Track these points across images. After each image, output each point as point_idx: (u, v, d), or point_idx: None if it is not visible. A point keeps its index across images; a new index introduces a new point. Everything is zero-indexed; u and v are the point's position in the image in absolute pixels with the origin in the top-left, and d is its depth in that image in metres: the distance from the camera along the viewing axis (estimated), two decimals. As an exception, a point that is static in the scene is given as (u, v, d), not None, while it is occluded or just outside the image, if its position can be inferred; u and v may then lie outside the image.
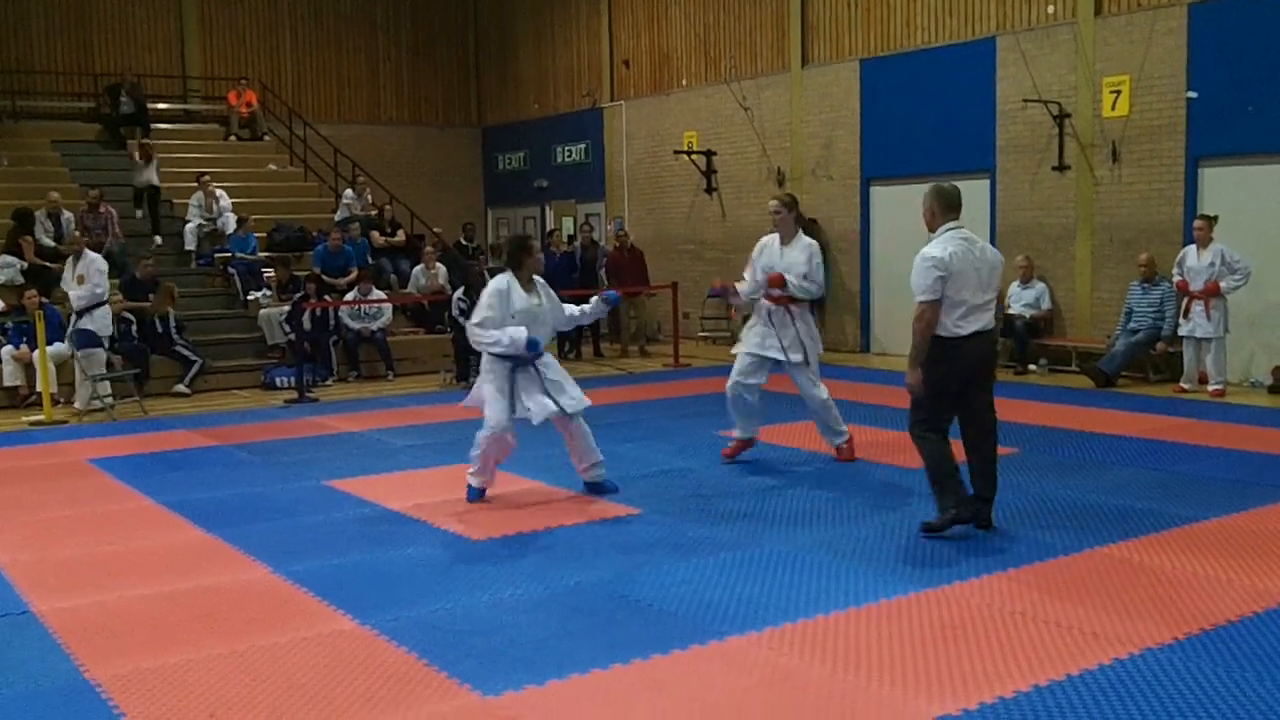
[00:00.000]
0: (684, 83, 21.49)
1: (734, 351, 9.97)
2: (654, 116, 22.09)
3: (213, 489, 9.23)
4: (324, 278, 17.40)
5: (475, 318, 8.34)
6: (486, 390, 8.50)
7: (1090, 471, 9.13)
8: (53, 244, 16.70)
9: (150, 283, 15.97)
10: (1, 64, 21.74)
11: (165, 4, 23.67)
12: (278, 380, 15.63)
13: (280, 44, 24.80)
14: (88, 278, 13.73)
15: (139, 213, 19.27)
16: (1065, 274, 15.57)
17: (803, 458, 9.97)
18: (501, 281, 8.43)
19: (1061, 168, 15.41)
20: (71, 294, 13.78)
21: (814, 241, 9.65)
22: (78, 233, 14.80)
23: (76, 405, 13.66)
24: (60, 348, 14.29)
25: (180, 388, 15.22)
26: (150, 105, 22.15)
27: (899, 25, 17.59)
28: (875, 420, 11.64)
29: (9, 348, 14.46)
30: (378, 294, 17.31)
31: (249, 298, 17.37)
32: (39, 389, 13.62)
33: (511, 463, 9.77)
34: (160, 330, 15.43)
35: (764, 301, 9.58)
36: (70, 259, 14.07)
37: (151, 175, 19.31)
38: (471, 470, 8.63)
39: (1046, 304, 15.46)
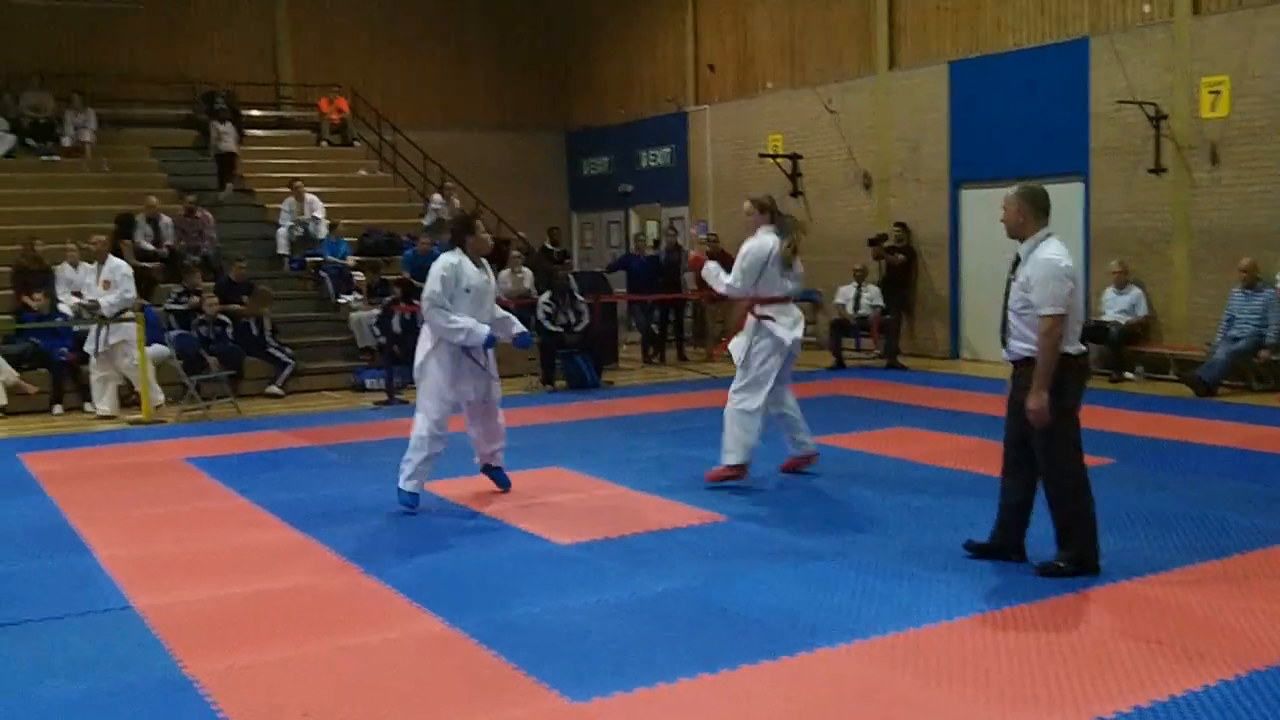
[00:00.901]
0: (769, 86, 21.43)
1: None
2: (738, 120, 22.05)
3: (305, 489, 9.37)
4: (413, 281, 17.54)
5: (428, 290, 8.32)
6: (431, 380, 8.49)
7: (1189, 483, 8.91)
8: (151, 248, 17.05)
9: (244, 284, 16.25)
10: (103, 73, 22.21)
11: (259, 13, 24.08)
12: (367, 382, 15.83)
13: (370, 51, 25.08)
14: (115, 284, 13.79)
15: (223, 191, 20.13)
16: (1162, 279, 15.30)
17: (891, 465, 9.86)
18: (453, 256, 8.47)
19: (1158, 170, 15.13)
20: (102, 301, 13.80)
21: (765, 241, 9.09)
22: (102, 238, 14.66)
23: (102, 409, 13.81)
24: (159, 349, 14.57)
25: (273, 389, 15.46)
26: (244, 112, 22.54)
27: (988, 26, 17.41)
28: (965, 428, 11.52)
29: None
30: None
31: (340, 301, 17.59)
32: (138, 389, 13.90)
33: (596, 466, 9.83)
34: (255, 332, 15.68)
35: None
36: (84, 264, 14.11)
37: (230, 143, 19.94)
38: (406, 474, 8.50)
39: (1143, 310, 15.18)
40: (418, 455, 8.47)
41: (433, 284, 8.34)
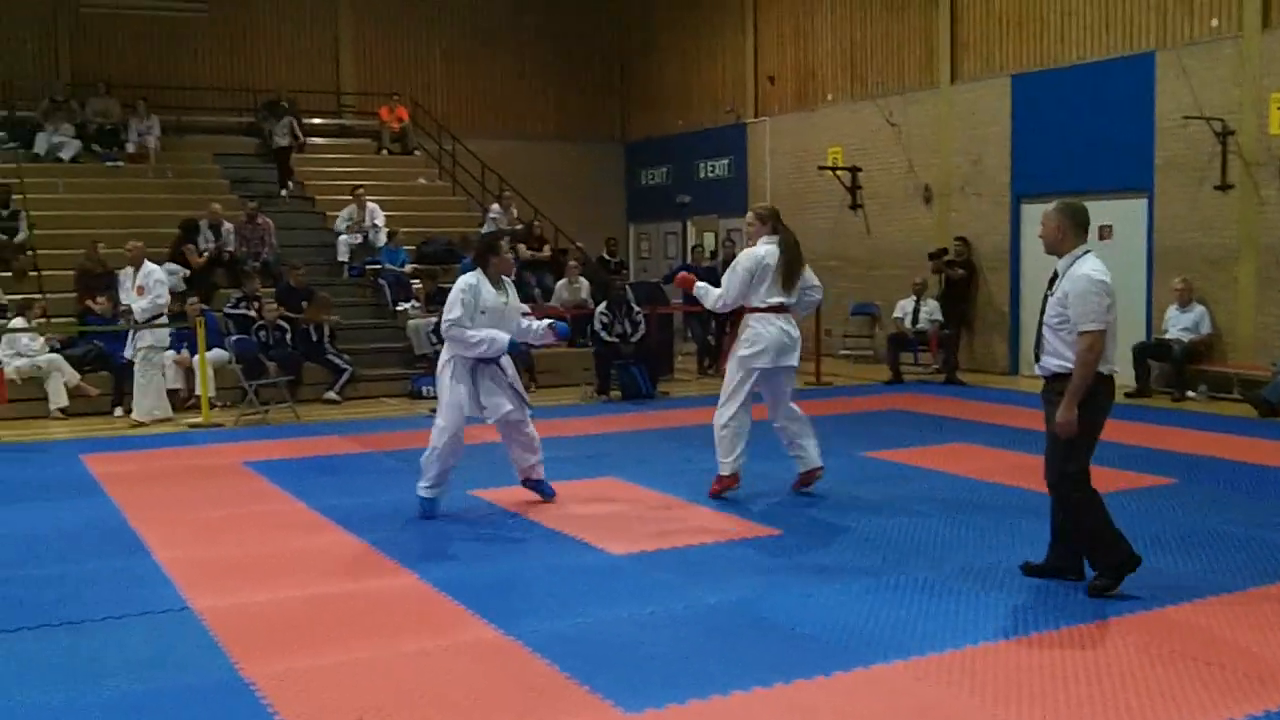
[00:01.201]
0: (829, 98, 21.37)
1: None
2: (798, 132, 22.01)
3: (362, 494, 9.42)
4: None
5: (448, 315, 8.35)
6: (447, 392, 8.53)
7: (1251, 505, 8.78)
8: (212, 253, 17.23)
9: (303, 290, 16.39)
10: (168, 81, 22.52)
11: (321, 23, 24.31)
12: (424, 389, 15.89)
13: (431, 61, 25.28)
14: (148, 289, 13.77)
15: (283, 189, 20.56)
16: (1226, 297, 15.10)
17: (948, 481, 9.78)
18: (471, 278, 8.52)
19: (1224, 187, 14.93)
20: (135, 306, 13.82)
21: (756, 251, 8.96)
22: (138, 244, 14.37)
23: (135, 416, 13.80)
24: (219, 353, 14.72)
25: (330, 395, 15.58)
26: (305, 120, 22.77)
27: (1052, 40, 17.27)
28: (1023, 445, 11.37)
29: (170, 352, 14.93)
30: (521, 307, 17.48)
31: (398, 308, 17.71)
32: (198, 393, 14.05)
33: (650, 477, 9.83)
34: (315, 339, 15.81)
35: None
36: (129, 269, 14.11)
37: (285, 138, 20.46)
38: (423, 483, 8.59)
39: (1206, 328, 14.98)
40: (432, 469, 8.57)
41: (452, 309, 8.39)
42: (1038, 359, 6.59)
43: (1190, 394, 14.76)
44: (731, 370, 9.06)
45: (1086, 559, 6.51)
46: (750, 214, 9.32)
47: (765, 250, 8.97)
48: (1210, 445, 11.33)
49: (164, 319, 13.99)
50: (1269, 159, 14.51)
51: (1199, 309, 15.01)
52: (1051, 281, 6.53)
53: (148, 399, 13.78)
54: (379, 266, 18.47)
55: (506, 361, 8.70)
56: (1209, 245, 15.23)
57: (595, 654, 5.57)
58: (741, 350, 8.95)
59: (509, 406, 8.63)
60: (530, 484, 9.07)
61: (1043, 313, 6.53)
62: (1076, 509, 6.43)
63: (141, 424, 13.64)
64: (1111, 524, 6.43)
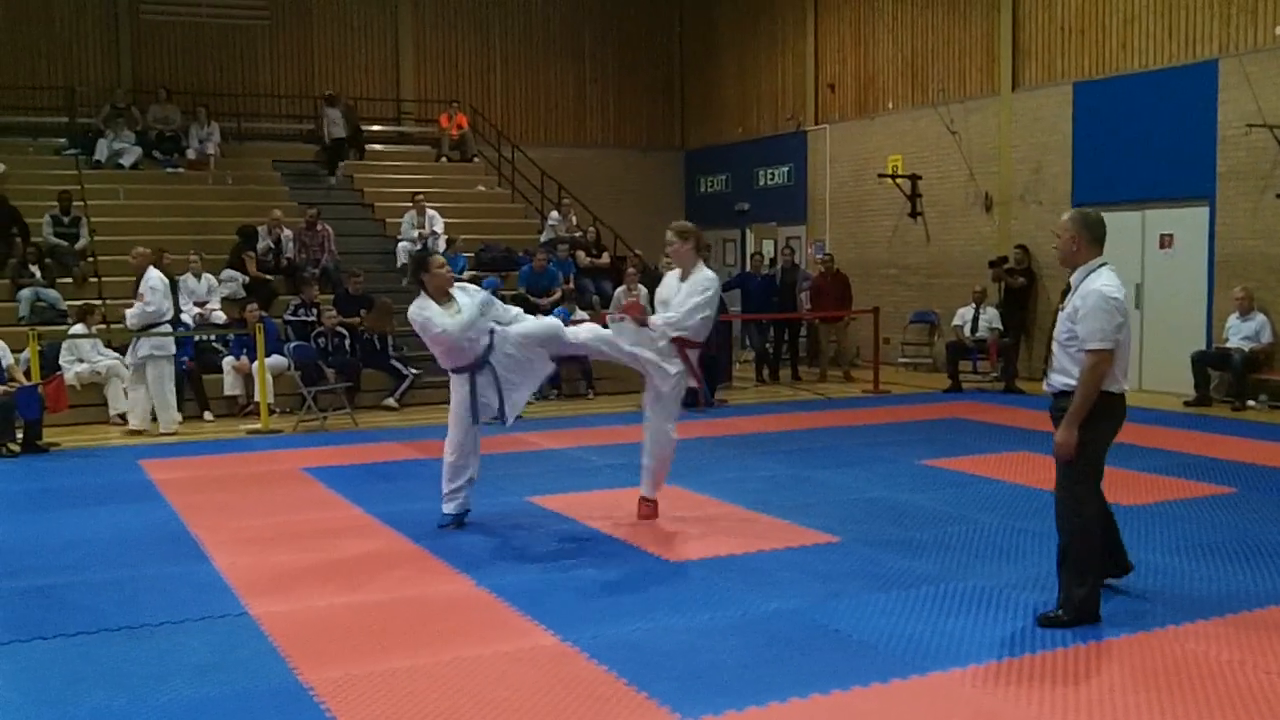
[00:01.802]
0: (889, 106, 21.27)
1: None
2: (858, 140, 21.92)
3: (420, 501, 9.43)
4: (529, 298, 17.71)
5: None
6: (452, 407, 8.53)
7: (1315, 514, 8.68)
8: (255, 271, 17.34)
9: (362, 298, 16.50)
10: (229, 88, 22.79)
11: (381, 31, 24.48)
12: (481, 397, 15.94)
13: (490, 68, 25.40)
14: (145, 295, 13.44)
15: (332, 177, 21.10)
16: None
17: (1008, 490, 9.69)
18: (416, 310, 8.31)
19: (1287, 195, 14.76)
20: (128, 314, 13.65)
21: (711, 276, 8.61)
22: (144, 250, 14.27)
23: (132, 424, 13.75)
24: (278, 360, 14.85)
25: (389, 401, 15.66)
26: (365, 128, 22.95)
27: (1114, 48, 17.10)
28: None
29: (230, 358, 15.08)
30: (580, 314, 17.53)
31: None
32: (257, 399, 14.16)
33: (707, 485, 9.81)
34: (378, 346, 15.92)
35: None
36: (135, 277, 13.90)
37: (340, 130, 20.84)
38: (445, 499, 8.58)
39: (1267, 337, 14.77)
40: (449, 484, 8.57)
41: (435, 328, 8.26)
42: (1045, 375, 6.36)
43: (1250, 403, 14.57)
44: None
45: (1060, 584, 6.18)
46: (669, 232, 8.85)
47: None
48: (1270, 455, 11.15)
49: (165, 327, 13.78)
50: (1335, 166, 14.30)
51: (1260, 318, 14.80)
52: (1064, 295, 6.30)
53: (166, 411, 13.61)
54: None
55: (503, 365, 8.47)
56: (1271, 254, 15.01)
57: (654, 661, 5.56)
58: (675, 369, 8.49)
59: (494, 410, 8.53)
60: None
61: (1053, 327, 6.27)
62: (1072, 534, 6.11)
63: (140, 432, 13.59)
64: (1099, 565, 6.18)
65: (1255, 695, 5.07)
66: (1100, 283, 5.98)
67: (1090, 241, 6.12)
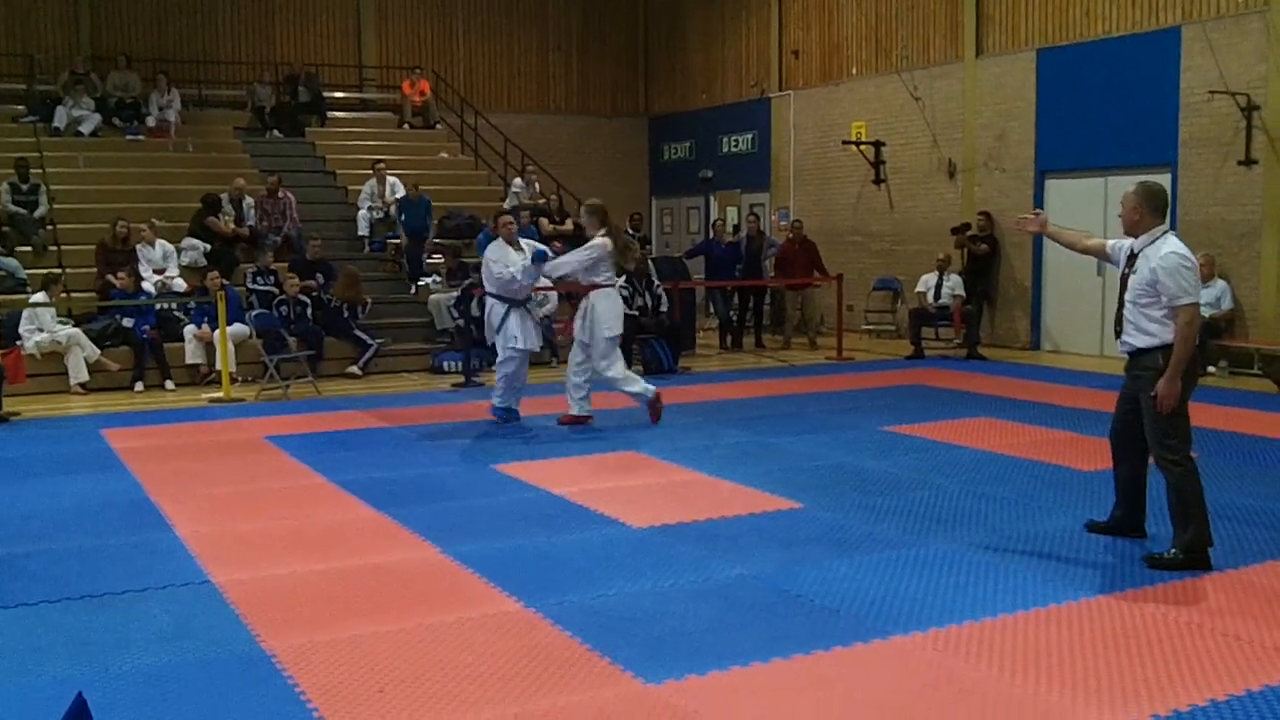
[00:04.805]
0: (854, 73, 21.26)
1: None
2: (822, 107, 21.91)
3: (383, 469, 9.43)
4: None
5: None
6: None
7: (1273, 479, 8.77)
8: (234, 227, 17.28)
9: (319, 263, 16.42)
10: (189, 54, 22.57)
11: (344, -4, 24.30)
12: (445, 364, 15.93)
13: (453, 34, 25.23)
14: None
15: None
16: (1249, 273, 14.99)
17: (970, 456, 9.75)
18: (494, 249, 11.64)
19: (1248, 162, 14.83)
20: None
21: (598, 242, 11.42)
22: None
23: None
24: (240, 328, 14.77)
25: (353, 369, 15.60)
26: (327, 94, 22.79)
27: (1078, 14, 17.14)
28: (1045, 420, 11.39)
29: (191, 327, 14.99)
30: (543, 281, 17.48)
31: (419, 282, 17.74)
32: (219, 367, 14.09)
33: (671, 453, 9.85)
34: (346, 315, 15.85)
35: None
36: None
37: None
38: (496, 395, 11.61)
39: (1228, 303, 14.89)
40: (500, 385, 11.53)
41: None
42: (1119, 335, 6.73)
43: (1211, 369, 14.66)
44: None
45: (1174, 528, 6.57)
46: (583, 209, 11.72)
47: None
48: (1231, 420, 11.27)
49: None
50: (1295, 133, 14.40)
51: (1221, 284, 14.90)
52: (1131, 260, 6.64)
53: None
54: (399, 241, 18.45)
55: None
56: (1232, 220, 15.13)
57: (617, 626, 5.57)
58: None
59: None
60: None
61: (1122, 291, 6.65)
62: (1178, 480, 6.50)
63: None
64: (1203, 503, 6.53)
65: (1214, 659, 5.13)
66: (1170, 246, 6.45)
67: (1153, 211, 6.58)
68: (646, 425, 11.28)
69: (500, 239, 11.58)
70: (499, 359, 11.48)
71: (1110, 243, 7.10)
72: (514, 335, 11.34)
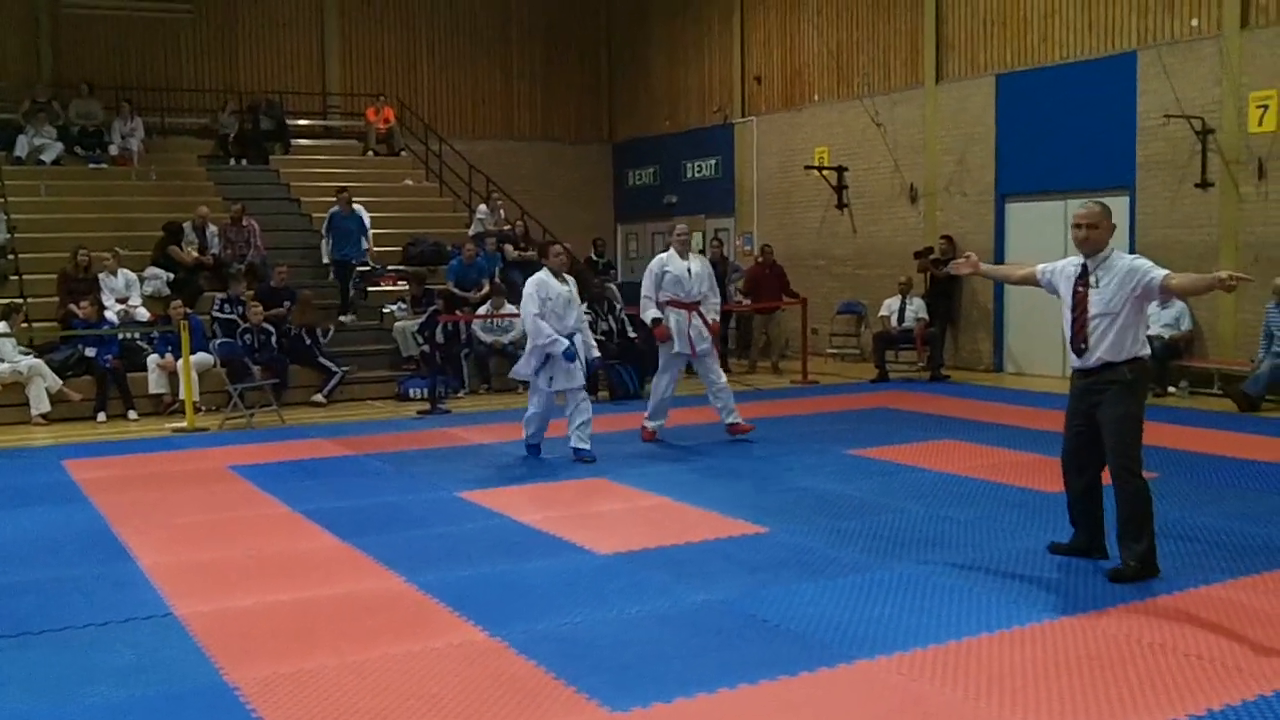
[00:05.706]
0: (816, 98, 21.39)
1: None
2: (785, 132, 22.03)
3: (348, 498, 9.40)
4: (456, 291, 17.65)
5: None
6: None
7: (1233, 499, 8.84)
8: (197, 255, 17.19)
9: (285, 290, 16.36)
10: (152, 82, 22.49)
11: (308, 24, 24.27)
12: (411, 391, 15.88)
13: (417, 62, 25.24)
14: None
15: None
16: (1207, 294, 15.10)
17: (935, 479, 9.79)
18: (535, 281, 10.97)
19: (1204, 185, 15.00)
20: None
21: (535, 278, 11.01)
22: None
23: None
24: (204, 357, 14.69)
25: (317, 398, 15.53)
26: (291, 122, 22.74)
27: (1035, 40, 17.32)
28: (1010, 442, 11.44)
29: (154, 356, 14.89)
30: (509, 308, 17.48)
31: (384, 310, 17.71)
32: (182, 397, 14.00)
33: (636, 478, 9.86)
34: (308, 342, 15.78)
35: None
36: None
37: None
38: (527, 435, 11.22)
39: (1187, 324, 15.03)
40: (529, 427, 11.20)
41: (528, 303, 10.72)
42: (1080, 353, 6.80)
43: (1171, 389, 14.81)
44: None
45: (1119, 540, 6.73)
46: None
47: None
48: (1191, 440, 11.36)
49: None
50: (1248, 157, 14.57)
51: (1179, 305, 14.99)
52: (1082, 276, 6.80)
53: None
54: (367, 268, 18.38)
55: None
56: (1190, 242, 15.27)
57: (582, 654, 5.57)
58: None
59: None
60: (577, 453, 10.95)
61: (1081, 310, 6.76)
62: (1136, 492, 6.66)
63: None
64: (1151, 523, 6.71)
65: (1175, 679, 5.17)
66: (1128, 254, 6.85)
67: (1110, 229, 6.89)
68: (612, 450, 11.28)
69: (547, 269, 11.00)
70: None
71: (1039, 268, 7.24)
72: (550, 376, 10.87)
